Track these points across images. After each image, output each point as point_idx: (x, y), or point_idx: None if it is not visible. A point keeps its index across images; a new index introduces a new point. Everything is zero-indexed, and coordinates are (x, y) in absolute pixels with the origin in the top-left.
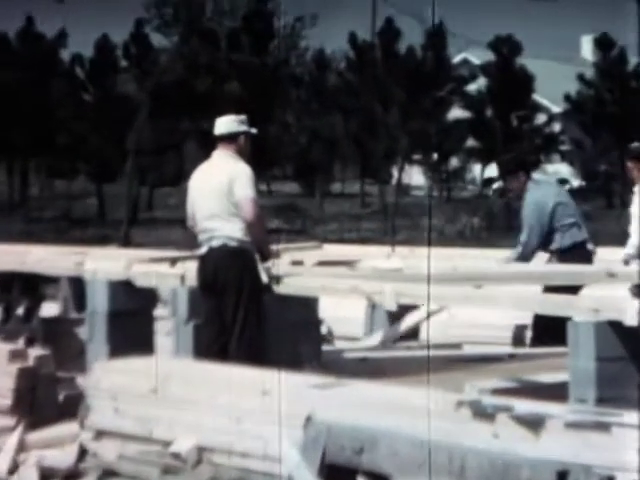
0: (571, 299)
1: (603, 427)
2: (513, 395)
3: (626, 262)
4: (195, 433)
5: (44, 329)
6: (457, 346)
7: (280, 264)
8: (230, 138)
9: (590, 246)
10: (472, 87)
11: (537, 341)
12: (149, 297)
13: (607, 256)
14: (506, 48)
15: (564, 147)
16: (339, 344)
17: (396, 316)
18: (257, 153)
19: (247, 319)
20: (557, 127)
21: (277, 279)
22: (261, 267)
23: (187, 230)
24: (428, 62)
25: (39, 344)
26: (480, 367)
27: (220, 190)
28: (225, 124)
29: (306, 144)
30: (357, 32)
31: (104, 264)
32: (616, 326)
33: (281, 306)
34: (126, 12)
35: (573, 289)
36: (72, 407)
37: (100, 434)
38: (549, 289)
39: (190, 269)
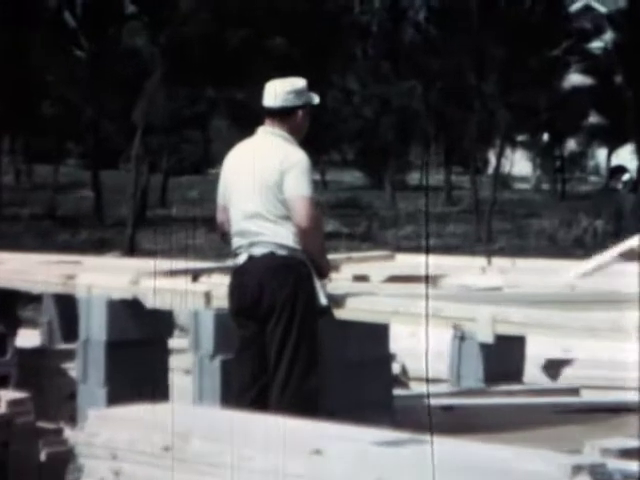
0: None
1: None
2: None
3: None
4: None
5: (21, 364)
6: (573, 391)
7: (338, 280)
8: (284, 114)
9: None
10: (596, 44)
11: None
12: (162, 322)
13: None
14: None
15: None
16: (416, 387)
17: (494, 351)
18: (308, 131)
19: (298, 354)
20: None
21: (335, 301)
22: (319, 285)
23: (220, 233)
24: (538, 11)
25: (13, 384)
26: (604, 420)
27: (268, 182)
28: (280, 94)
29: (373, 119)
30: None
31: (102, 278)
32: None
33: (340, 337)
34: None
35: None
36: (57, 469)
37: None
38: None
39: (218, 285)
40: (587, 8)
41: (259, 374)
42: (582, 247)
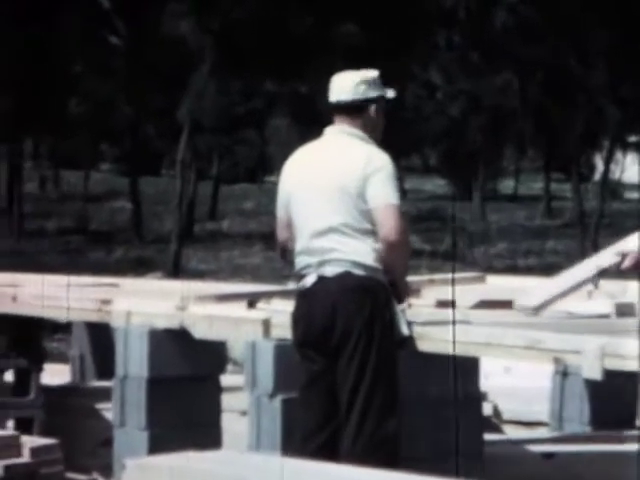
0: None
1: None
2: None
3: None
4: None
5: (47, 404)
6: None
7: (419, 306)
8: (355, 109)
9: None
10: None
11: None
12: (213, 356)
13: None
14: None
15: None
16: (511, 431)
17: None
18: (384, 131)
19: (374, 393)
20: None
21: (416, 330)
22: (399, 311)
23: (280, 251)
24: None
25: (39, 428)
26: None
27: (347, 190)
28: (349, 86)
29: (460, 118)
30: None
31: (142, 303)
32: None
33: (421, 372)
34: None
35: None
36: None
37: None
38: None
39: (279, 312)
40: None
41: (328, 416)
42: None
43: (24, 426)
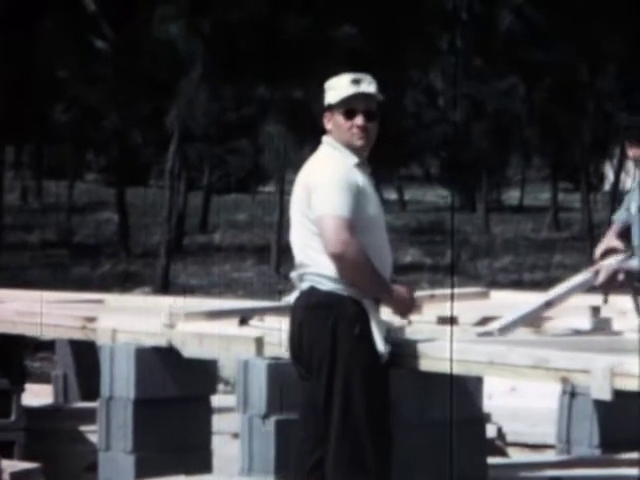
0: None
1: None
2: None
3: None
4: None
5: (29, 427)
6: None
7: (420, 323)
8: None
9: None
10: None
11: None
12: (204, 376)
13: None
14: None
15: None
16: (516, 455)
17: (612, 410)
18: (381, 139)
19: (347, 417)
20: None
21: (414, 348)
22: (376, 326)
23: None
24: None
25: (20, 452)
26: None
27: (301, 203)
28: (338, 88)
29: (463, 124)
30: None
31: (129, 320)
32: None
33: (421, 393)
34: None
35: None
36: None
37: None
38: None
39: (273, 330)
40: None
41: (319, 438)
42: None
43: (4, 450)
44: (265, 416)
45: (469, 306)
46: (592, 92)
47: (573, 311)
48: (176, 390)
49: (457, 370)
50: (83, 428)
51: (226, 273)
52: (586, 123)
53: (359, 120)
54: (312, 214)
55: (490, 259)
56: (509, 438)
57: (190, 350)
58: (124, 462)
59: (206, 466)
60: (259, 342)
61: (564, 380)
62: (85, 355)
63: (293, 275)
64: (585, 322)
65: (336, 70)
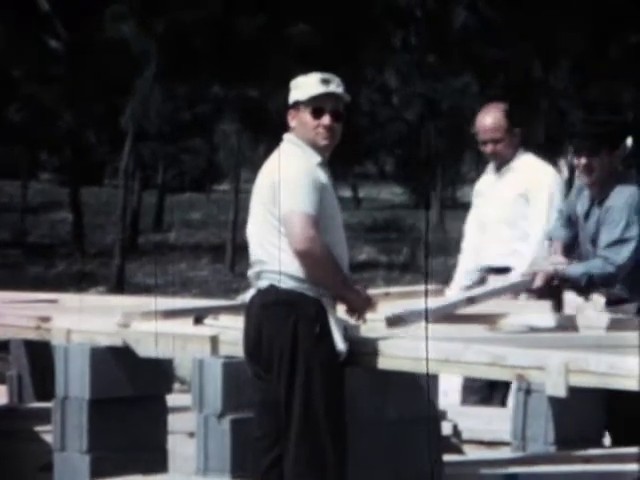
0: None
1: None
2: None
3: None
4: None
5: None
6: None
7: (374, 321)
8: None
9: None
10: None
11: None
12: (159, 375)
13: None
14: None
15: None
16: (472, 452)
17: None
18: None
19: (309, 413)
20: None
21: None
22: (335, 324)
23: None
24: None
25: None
26: None
27: (263, 199)
28: (306, 86)
29: (417, 121)
30: None
31: (84, 320)
32: None
33: (376, 391)
34: None
35: None
36: None
37: None
38: None
39: (228, 329)
40: None
41: (276, 436)
42: None
43: None
44: (221, 415)
45: (424, 303)
46: (546, 89)
47: (529, 307)
48: (131, 390)
49: (412, 368)
50: (38, 428)
51: (181, 272)
52: (540, 120)
53: (326, 119)
54: (278, 211)
55: (445, 256)
56: (465, 435)
57: (145, 349)
58: (79, 462)
59: (162, 466)
60: (214, 341)
61: (519, 377)
62: (40, 355)
63: (250, 273)
64: (549, 319)
65: (290, 68)
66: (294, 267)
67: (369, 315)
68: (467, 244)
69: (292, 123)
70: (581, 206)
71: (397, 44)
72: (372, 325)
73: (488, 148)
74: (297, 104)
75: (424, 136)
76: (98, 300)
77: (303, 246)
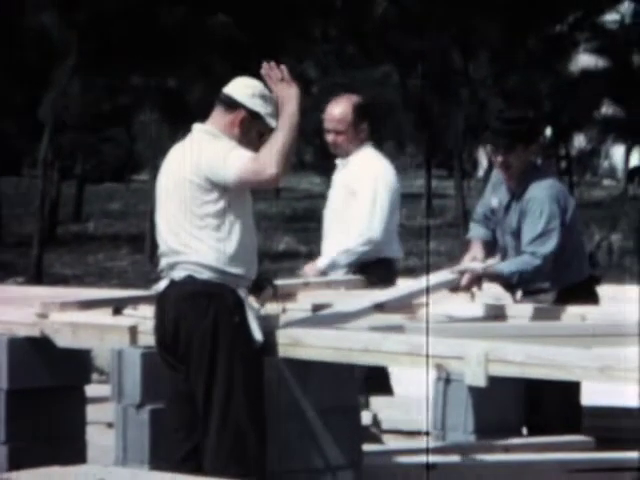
0: None
1: None
2: None
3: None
4: None
5: None
6: (588, 445)
7: (294, 311)
8: (229, 106)
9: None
10: (610, 17)
11: None
12: (77, 365)
13: None
14: None
15: None
16: (391, 442)
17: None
18: None
19: (230, 403)
20: None
21: (287, 335)
22: (252, 312)
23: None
24: None
25: None
26: None
27: (185, 185)
28: (236, 86)
29: None
30: None
31: (1, 311)
32: None
33: (295, 381)
34: None
35: None
36: None
37: None
38: None
39: (146, 319)
40: None
41: (191, 427)
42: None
43: None
44: (139, 405)
45: (345, 293)
46: (465, 79)
47: (447, 297)
48: (50, 380)
49: (332, 357)
50: None
51: (100, 262)
52: (459, 110)
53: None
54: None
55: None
56: (384, 425)
57: (63, 340)
58: None
59: (81, 456)
60: (133, 331)
61: (439, 367)
62: None
63: (163, 263)
64: (469, 309)
65: (211, 60)
66: (212, 257)
67: (290, 305)
68: (326, 233)
69: (235, 124)
70: (499, 200)
71: (317, 34)
72: (292, 314)
73: (329, 138)
74: (256, 115)
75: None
76: (16, 290)
77: (268, 174)
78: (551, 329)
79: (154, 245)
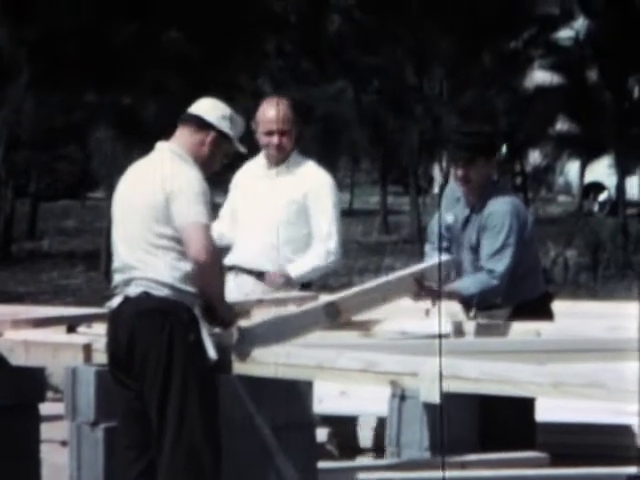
0: None
1: None
2: None
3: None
4: None
5: None
6: (543, 461)
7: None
8: (198, 127)
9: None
10: (565, 34)
11: None
12: (32, 383)
13: None
14: None
15: None
16: (347, 460)
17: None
18: None
19: (184, 421)
20: None
21: (240, 352)
22: (206, 333)
23: None
24: None
25: None
26: None
27: (146, 205)
28: (206, 107)
29: None
30: None
31: None
32: None
33: (249, 398)
34: None
35: None
36: None
37: None
38: None
39: (100, 336)
40: None
41: (144, 446)
42: (550, 282)
43: None
44: (94, 423)
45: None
46: (420, 95)
47: (403, 313)
48: (3, 398)
49: (286, 374)
50: None
51: (55, 280)
52: (414, 126)
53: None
54: (168, 220)
55: None
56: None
57: (17, 358)
58: None
59: (35, 475)
60: (87, 349)
61: (393, 383)
62: None
63: (117, 279)
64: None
65: (164, 76)
66: (168, 275)
67: (243, 322)
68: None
69: (206, 144)
70: (455, 216)
71: (271, 50)
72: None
73: (274, 140)
74: (225, 136)
75: (299, 142)
76: None
77: (209, 257)
78: (505, 345)
79: (109, 262)
